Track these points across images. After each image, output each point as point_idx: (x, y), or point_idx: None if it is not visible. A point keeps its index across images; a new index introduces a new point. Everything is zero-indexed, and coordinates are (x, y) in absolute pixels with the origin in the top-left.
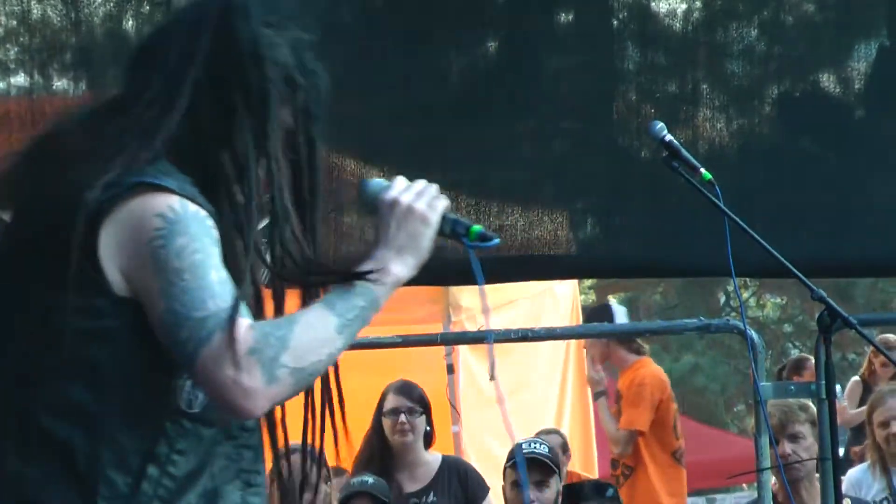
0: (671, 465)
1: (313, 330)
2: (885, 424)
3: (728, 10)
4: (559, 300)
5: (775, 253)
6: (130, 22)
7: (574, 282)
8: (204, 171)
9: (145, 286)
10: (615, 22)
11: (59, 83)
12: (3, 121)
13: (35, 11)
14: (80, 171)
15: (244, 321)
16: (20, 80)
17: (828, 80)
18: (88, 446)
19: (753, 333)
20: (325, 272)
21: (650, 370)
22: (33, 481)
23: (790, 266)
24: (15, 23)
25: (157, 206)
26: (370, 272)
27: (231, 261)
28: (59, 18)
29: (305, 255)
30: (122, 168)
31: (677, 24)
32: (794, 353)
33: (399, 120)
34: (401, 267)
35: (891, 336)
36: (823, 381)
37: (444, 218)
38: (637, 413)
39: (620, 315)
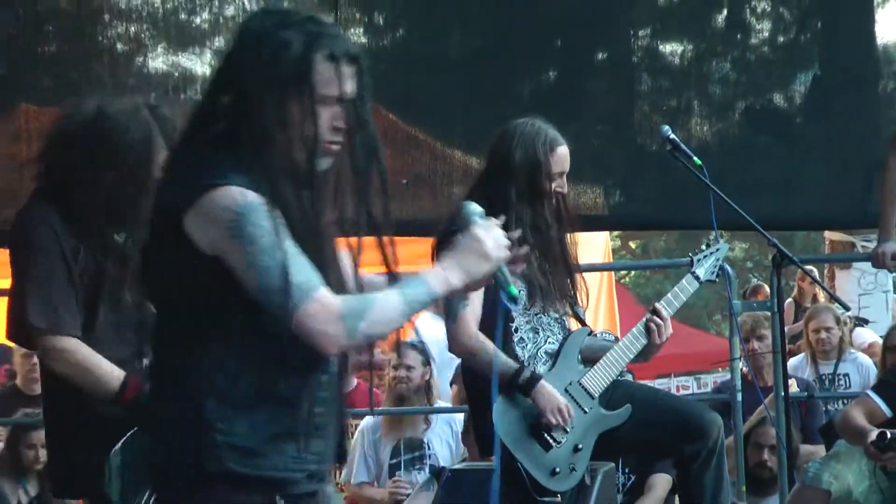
0: None
1: (385, 311)
2: (817, 331)
3: (711, 51)
4: (595, 244)
5: (743, 213)
6: None
7: (606, 232)
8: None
9: (232, 263)
10: (634, 58)
11: None
12: None
13: None
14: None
15: (325, 294)
16: None
17: (778, 98)
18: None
19: (727, 267)
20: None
21: None
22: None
23: (753, 222)
24: None
25: (223, 202)
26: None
27: (300, 225)
28: None
29: (385, 210)
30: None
31: (676, 60)
32: (754, 282)
33: (478, 116)
34: (457, 281)
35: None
36: (776, 300)
37: (500, 269)
38: None
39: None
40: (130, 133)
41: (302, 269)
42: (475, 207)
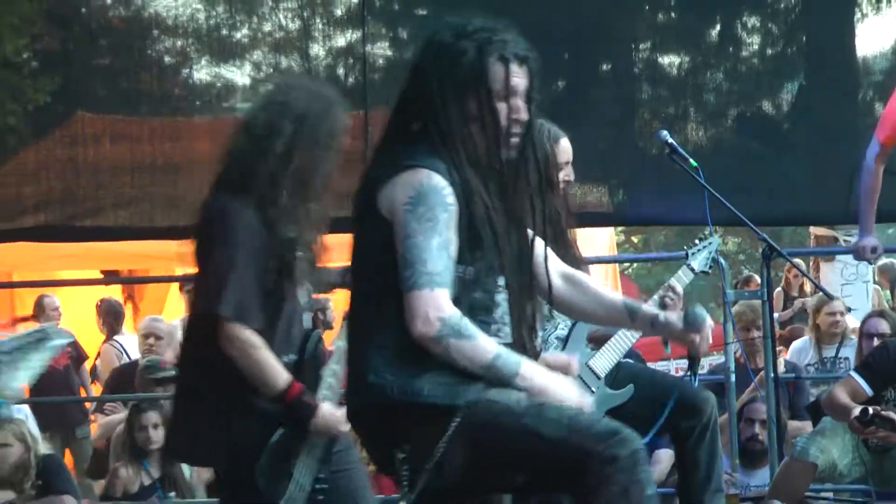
0: None
1: (476, 354)
2: (832, 314)
3: (705, 62)
4: (600, 239)
5: (735, 211)
6: (341, 70)
7: (610, 228)
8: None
9: (396, 231)
10: (636, 70)
11: None
12: None
13: (283, 63)
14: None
15: (447, 293)
16: None
17: (767, 106)
18: None
19: (721, 259)
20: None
21: None
22: None
23: (744, 219)
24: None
25: (412, 180)
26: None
27: (477, 216)
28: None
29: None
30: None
31: (674, 71)
32: (745, 273)
33: None
34: (536, 390)
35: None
36: (766, 289)
37: None
38: None
39: None
40: (321, 127)
41: (441, 263)
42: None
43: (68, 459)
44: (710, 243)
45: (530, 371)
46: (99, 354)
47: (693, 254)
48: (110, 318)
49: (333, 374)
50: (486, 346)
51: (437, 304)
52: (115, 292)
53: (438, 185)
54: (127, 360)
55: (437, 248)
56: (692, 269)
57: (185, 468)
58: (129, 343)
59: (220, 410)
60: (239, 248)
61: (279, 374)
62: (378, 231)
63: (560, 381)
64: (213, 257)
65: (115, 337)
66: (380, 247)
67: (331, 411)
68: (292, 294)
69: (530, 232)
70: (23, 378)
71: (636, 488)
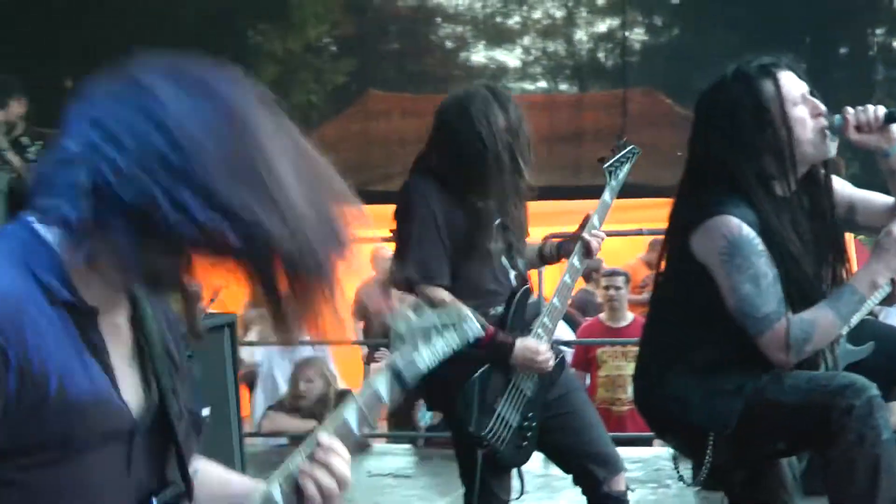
0: None
1: (825, 331)
2: None
3: None
4: None
5: None
6: (601, 54)
7: None
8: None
9: (718, 280)
10: (871, 52)
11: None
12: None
13: (549, 47)
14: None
15: (784, 320)
16: (542, 84)
17: None
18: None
19: None
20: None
21: None
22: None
23: None
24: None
25: (723, 227)
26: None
27: (789, 252)
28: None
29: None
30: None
31: None
32: None
33: None
34: (883, 280)
35: None
36: None
37: None
38: None
39: None
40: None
41: (770, 301)
42: None
43: None
44: (630, 151)
45: (861, 282)
46: None
47: (612, 171)
48: (383, 267)
49: (543, 325)
50: (826, 318)
51: (777, 341)
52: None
53: (749, 236)
54: None
55: (766, 290)
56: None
57: None
58: None
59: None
60: (416, 220)
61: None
62: (687, 268)
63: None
64: (399, 229)
65: None
66: (688, 281)
67: (527, 346)
68: (489, 255)
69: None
70: (426, 359)
71: (871, 434)
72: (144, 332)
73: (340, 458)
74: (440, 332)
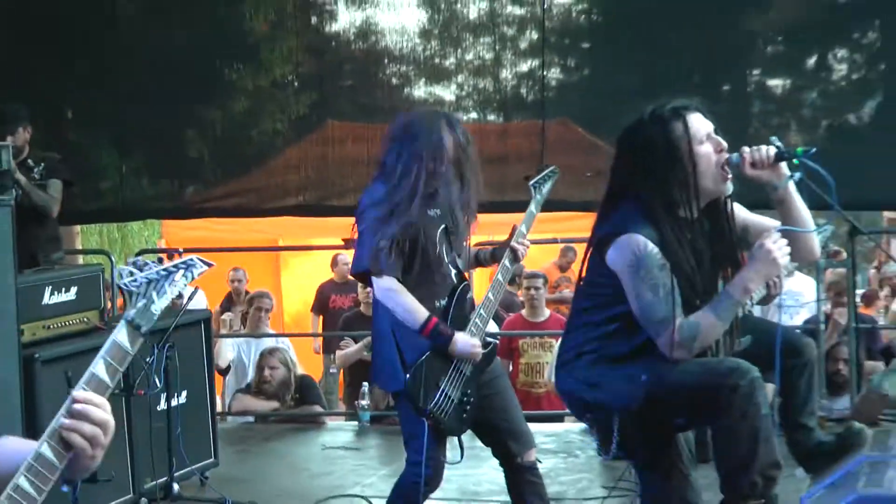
0: None
1: (708, 332)
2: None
3: (803, 85)
4: None
5: (827, 198)
6: (523, 90)
7: None
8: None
9: (626, 287)
10: (749, 89)
11: (491, 117)
12: None
13: (479, 84)
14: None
15: (676, 323)
16: (473, 115)
17: (852, 118)
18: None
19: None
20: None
21: None
22: None
23: (835, 205)
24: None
25: (632, 244)
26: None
27: (678, 262)
28: (490, 88)
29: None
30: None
31: (778, 91)
32: (832, 247)
33: None
34: (755, 286)
35: None
36: (851, 259)
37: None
38: None
39: None
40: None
41: (666, 307)
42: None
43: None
44: (551, 171)
45: (735, 288)
46: None
47: (537, 186)
48: (341, 270)
49: (479, 316)
50: (707, 321)
51: (671, 342)
52: (349, 254)
53: (652, 252)
54: None
55: (660, 299)
56: (538, 202)
57: None
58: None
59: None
60: (371, 222)
61: (418, 312)
62: (603, 273)
63: (764, 265)
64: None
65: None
66: (601, 284)
67: (465, 339)
68: (437, 255)
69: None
70: (162, 304)
71: (753, 409)
72: None
73: (98, 407)
74: (167, 280)
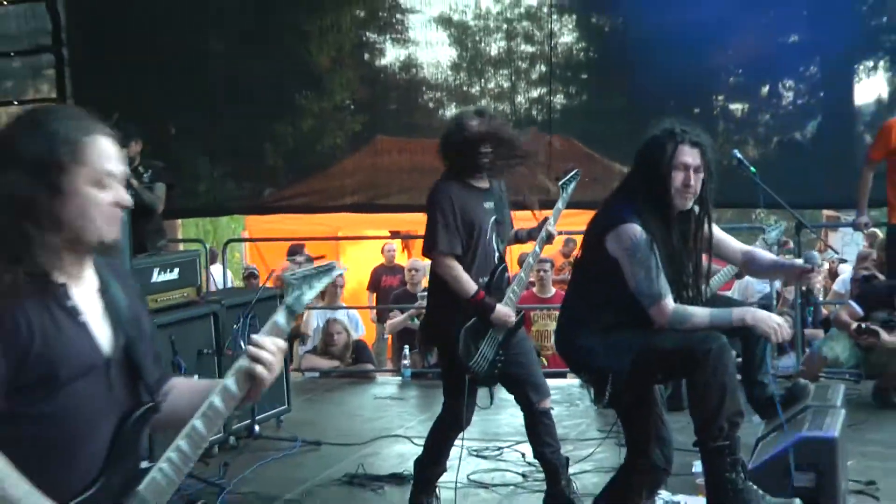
0: None
1: (696, 322)
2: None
3: (758, 108)
4: None
5: (778, 198)
6: (535, 111)
7: None
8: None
9: (623, 268)
10: (715, 112)
11: None
12: None
13: (499, 107)
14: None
15: (668, 300)
16: None
17: (797, 136)
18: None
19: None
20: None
21: None
22: None
23: (784, 204)
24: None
25: (630, 231)
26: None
27: (668, 249)
28: (508, 111)
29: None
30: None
31: (739, 113)
32: (783, 238)
33: (628, 144)
34: (749, 322)
35: None
36: (798, 248)
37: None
38: None
39: None
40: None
41: (657, 284)
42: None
43: None
44: (575, 172)
45: (738, 312)
46: None
47: (564, 185)
48: (388, 256)
49: (513, 291)
50: (701, 314)
51: (661, 314)
52: (396, 244)
53: (644, 237)
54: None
55: (653, 276)
56: (564, 200)
57: None
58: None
59: (440, 308)
60: (440, 211)
61: (469, 285)
62: (602, 258)
63: (764, 319)
64: (428, 217)
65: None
66: (602, 267)
67: (504, 310)
68: (488, 241)
69: None
70: (312, 294)
71: (721, 367)
72: (109, 298)
73: (266, 350)
74: (317, 277)
